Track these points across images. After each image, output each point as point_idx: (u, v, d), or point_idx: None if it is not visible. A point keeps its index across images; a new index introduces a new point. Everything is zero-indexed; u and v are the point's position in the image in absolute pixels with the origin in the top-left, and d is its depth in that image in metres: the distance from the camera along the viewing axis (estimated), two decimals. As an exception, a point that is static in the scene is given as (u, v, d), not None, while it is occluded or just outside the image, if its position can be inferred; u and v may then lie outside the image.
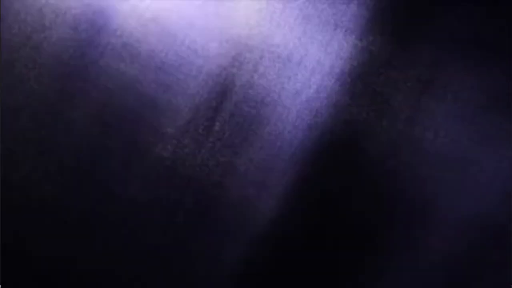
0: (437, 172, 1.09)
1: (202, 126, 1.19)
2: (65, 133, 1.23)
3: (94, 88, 1.23)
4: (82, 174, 1.23)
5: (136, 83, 1.22)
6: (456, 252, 1.08)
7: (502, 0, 1.10)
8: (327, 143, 1.14)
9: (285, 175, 1.14)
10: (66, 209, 1.20)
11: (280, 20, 1.17)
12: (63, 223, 1.21)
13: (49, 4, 1.24)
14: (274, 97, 1.16)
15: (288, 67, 1.16)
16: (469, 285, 1.06)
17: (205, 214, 1.17)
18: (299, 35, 1.16)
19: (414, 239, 1.08)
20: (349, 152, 1.12)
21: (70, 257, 1.22)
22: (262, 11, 1.19)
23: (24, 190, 1.22)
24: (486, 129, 1.07)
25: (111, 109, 1.23)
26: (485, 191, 1.07)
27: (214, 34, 1.20)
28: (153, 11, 1.23)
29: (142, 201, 1.21)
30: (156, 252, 1.18)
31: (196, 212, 1.18)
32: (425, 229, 1.09)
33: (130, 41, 1.23)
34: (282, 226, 1.13)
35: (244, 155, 1.17)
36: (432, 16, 1.13)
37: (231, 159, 1.16)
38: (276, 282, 1.14)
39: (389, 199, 1.09)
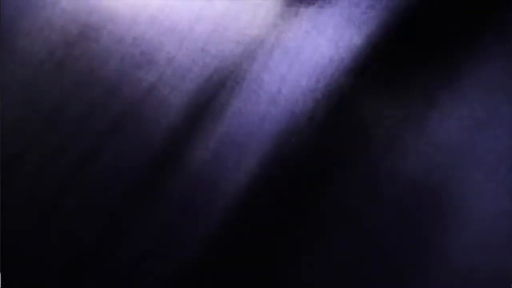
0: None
1: (211, 128, 1.17)
2: (83, 142, 1.23)
3: (113, 97, 1.24)
4: (100, 188, 1.22)
5: (154, 90, 1.22)
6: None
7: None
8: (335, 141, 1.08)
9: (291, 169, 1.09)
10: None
11: (294, 22, 1.15)
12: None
13: (72, 21, 1.28)
14: (285, 94, 1.12)
15: (298, 62, 1.13)
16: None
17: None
18: (309, 29, 1.13)
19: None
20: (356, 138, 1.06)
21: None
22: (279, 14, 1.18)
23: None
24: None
25: (130, 118, 1.22)
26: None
27: (229, 35, 1.19)
28: (171, 21, 1.24)
29: (160, 213, 1.18)
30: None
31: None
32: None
33: (149, 49, 1.24)
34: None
35: (254, 155, 1.12)
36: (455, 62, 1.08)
37: (239, 158, 1.12)
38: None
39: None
